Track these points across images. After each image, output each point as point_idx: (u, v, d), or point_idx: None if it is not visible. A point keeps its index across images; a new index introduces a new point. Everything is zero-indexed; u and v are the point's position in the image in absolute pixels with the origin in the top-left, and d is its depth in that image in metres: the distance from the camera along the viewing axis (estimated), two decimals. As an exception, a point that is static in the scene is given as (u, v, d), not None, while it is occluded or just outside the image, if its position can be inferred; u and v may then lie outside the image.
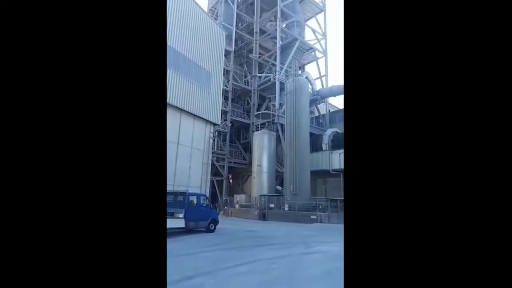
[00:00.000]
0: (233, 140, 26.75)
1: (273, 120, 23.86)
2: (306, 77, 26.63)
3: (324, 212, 16.30)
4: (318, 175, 21.24)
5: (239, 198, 21.93)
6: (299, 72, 29.59)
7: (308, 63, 32.85)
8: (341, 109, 29.77)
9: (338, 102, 31.38)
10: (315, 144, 22.25)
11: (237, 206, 21.23)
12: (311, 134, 21.05)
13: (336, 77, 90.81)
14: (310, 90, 26.35)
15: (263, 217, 17.88)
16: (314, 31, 30.61)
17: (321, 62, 30.46)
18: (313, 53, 30.67)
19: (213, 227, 10.79)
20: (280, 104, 23.85)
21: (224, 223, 13.41)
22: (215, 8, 29.53)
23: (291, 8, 27.99)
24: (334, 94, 26.44)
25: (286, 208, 17.55)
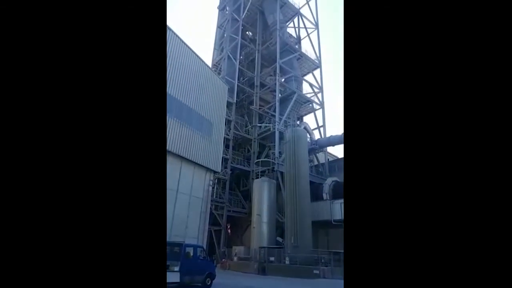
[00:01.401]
0: (233, 187, 26.53)
1: (273, 168, 24.00)
2: (305, 128, 27.54)
3: (327, 266, 15.44)
4: (320, 225, 20.62)
5: (238, 250, 20.92)
6: (298, 122, 30.71)
7: (306, 114, 34.26)
8: (341, 158, 30.11)
9: (336, 151, 31.94)
10: (316, 193, 22.03)
11: (235, 258, 20.14)
12: (311, 183, 20.99)
13: (334, 127, 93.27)
14: (308, 139, 27.02)
15: (262, 271, 16.86)
16: (311, 85, 32.59)
17: (319, 113, 31.84)
18: (310, 105, 32.19)
19: (210, 282, 10.16)
20: (280, 153, 24.25)
21: (221, 277, 12.63)
22: (219, 64, 31.89)
23: (289, 65, 30.24)
24: (332, 144, 27.03)
25: (287, 262, 16.65)
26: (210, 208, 19.53)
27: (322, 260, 16.01)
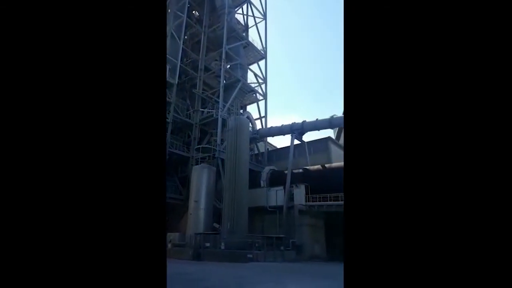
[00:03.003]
0: (170, 173, 25.45)
1: (214, 154, 23.77)
2: (247, 117, 27.88)
3: (260, 250, 16.18)
4: (256, 211, 21.37)
5: (173, 236, 20.33)
6: (241, 111, 30.88)
7: (249, 103, 34.67)
8: (279, 148, 31.51)
9: (276, 141, 33.28)
10: (254, 181, 22.68)
11: (169, 245, 19.56)
12: (250, 171, 21.48)
13: (275, 118, 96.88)
14: (250, 128, 27.46)
15: (197, 257, 16.79)
16: (256, 75, 32.97)
17: (262, 104, 32.54)
18: (254, 95, 32.62)
19: (141, 270, 9.66)
20: (222, 140, 24.11)
21: (154, 265, 12.12)
22: (161, 42, 29.64)
23: (235, 52, 29.92)
24: (272, 134, 28.03)
25: (223, 247, 16.90)
26: (144, 194, 18.39)
27: (256, 245, 16.71)
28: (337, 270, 13.31)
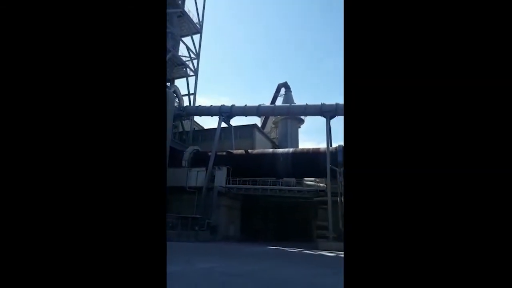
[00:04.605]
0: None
1: (132, 128, 21.78)
2: (174, 91, 26.32)
3: (174, 230, 15.83)
4: (175, 191, 20.70)
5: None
6: (168, 84, 28.88)
7: (178, 77, 32.67)
8: (206, 129, 30.93)
9: (203, 121, 32.55)
10: (174, 160, 21.80)
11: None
12: (172, 149, 20.53)
13: (204, 98, 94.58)
14: (176, 104, 26.05)
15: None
16: (188, 49, 31.12)
17: (191, 80, 31.09)
18: (184, 69, 30.88)
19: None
20: (142, 113, 22.18)
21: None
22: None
23: (168, 19, 27.47)
24: (199, 113, 27.24)
25: (133, 227, 15.90)
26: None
27: (170, 225, 16.28)
28: (247, 250, 14.07)
